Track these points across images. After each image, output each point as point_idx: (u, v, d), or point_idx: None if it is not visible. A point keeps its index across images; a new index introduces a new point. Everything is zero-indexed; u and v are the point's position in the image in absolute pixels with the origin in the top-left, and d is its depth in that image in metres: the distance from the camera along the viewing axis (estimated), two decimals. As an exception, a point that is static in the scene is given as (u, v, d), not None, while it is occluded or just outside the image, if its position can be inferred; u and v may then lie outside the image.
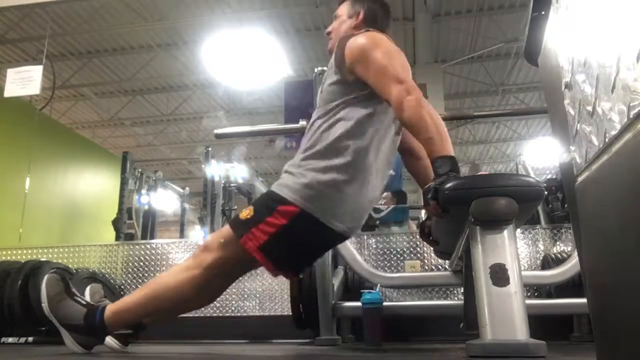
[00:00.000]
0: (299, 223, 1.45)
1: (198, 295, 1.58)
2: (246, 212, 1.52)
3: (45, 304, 1.56)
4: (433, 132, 1.37)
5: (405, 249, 2.81)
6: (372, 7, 1.72)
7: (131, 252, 3.17)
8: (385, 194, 3.39)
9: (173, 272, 1.59)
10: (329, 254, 2.16)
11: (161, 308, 1.59)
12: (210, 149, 5.67)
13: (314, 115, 1.61)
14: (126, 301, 1.60)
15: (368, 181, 1.51)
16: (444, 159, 1.36)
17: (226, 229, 1.55)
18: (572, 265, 2.08)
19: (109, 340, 1.57)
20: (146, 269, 3.11)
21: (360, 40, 1.55)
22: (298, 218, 1.45)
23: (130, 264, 3.13)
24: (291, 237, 1.47)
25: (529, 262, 2.68)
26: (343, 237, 1.56)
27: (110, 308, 1.57)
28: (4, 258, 3.15)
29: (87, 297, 1.65)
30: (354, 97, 1.54)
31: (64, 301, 1.57)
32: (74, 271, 2.79)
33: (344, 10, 1.76)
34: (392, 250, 2.82)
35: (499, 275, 1.25)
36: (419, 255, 2.79)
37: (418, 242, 2.80)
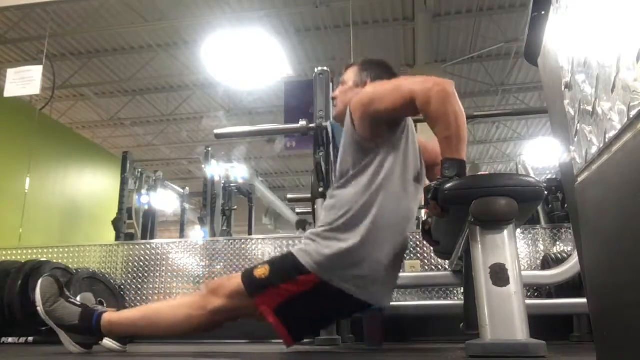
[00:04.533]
0: (319, 292, 1.42)
1: (195, 332, 1.58)
2: (261, 271, 1.47)
3: (40, 307, 1.57)
4: (452, 131, 1.35)
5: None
6: (379, 75, 1.69)
7: (131, 252, 3.17)
8: None
9: (177, 304, 1.59)
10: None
11: (154, 333, 1.63)
12: (210, 149, 5.66)
13: (335, 181, 1.59)
14: (124, 316, 1.60)
15: (392, 247, 1.50)
16: (454, 161, 1.35)
17: (238, 280, 1.50)
18: (572, 265, 2.08)
19: (107, 341, 1.58)
20: (146, 269, 3.11)
21: (361, 92, 1.55)
22: (318, 287, 1.42)
23: (130, 264, 3.13)
24: (309, 303, 1.44)
25: (529, 262, 2.68)
26: (369, 305, 1.51)
27: (108, 318, 1.57)
28: (4, 258, 3.15)
29: None
30: (371, 158, 1.51)
31: (58, 303, 1.58)
32: (74, 271, 2.79)
33: (350, 76, 1.74)
34: (392, 250, 2.81)
35: (499, 275, 1.25)
36: (419, 255, 2.79)
37: (418, 242, 2.80)
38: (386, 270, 1.49)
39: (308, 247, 1.47)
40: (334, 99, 1.76)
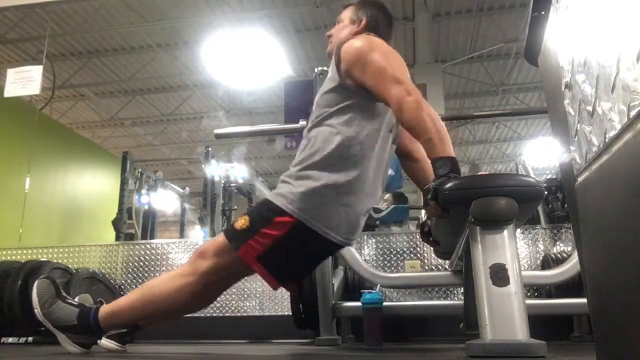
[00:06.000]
0: (296, 234, 1.45)
1: (192, 301, 1.57)
2: (241, 222, 1.50)
3: (37, 309, 1.56)
4: (433, 133, 1.37)
5: (405, 249, 2.81)
6: (375, 15, 1.71)
7: (131, 252, 3.17)
8: (386, 196, 3.39)
9: (168, 277, 1.58)
10: (329, 254, 2.16)
11: (155, 313, 1.60)
12: (210, 149, 5.66)
13: (310, 122, 1.60)
14: (120, 304, 1.59)
15: (364, 190, 1.51)
16: (444, 159, 1.36)
17: (222, 238, 1.54)
18: (572, 265, 2.08)
19: (105, 341, 1.57)
20: (146, 269, 3.11)
21: (356, 43, 1.54)
22: (294, 229, 1.44)
23: (130, 264, 3.13)
24: (288, 247, 1.47)
25: (529, 262, 2.68)
26: (339, 246, 1.55)
27: (105, 309, 1.57)
28: (4, 258, 3.15)
29: None
30: (350, 103, 1.53)
31: (55, 304, 1.57)
32: (74, 271, 2.79)
33: (346, 15, 1.76)
34: (392, 250, 2.82)
35: (499, 275, 1.25)
36: (419, 255, 2.79)
37: (418, 242, 2.80)
38: (357, 211, 1.50)
39: (282, 190, 1.50)
40: (329, 36, 1.77)
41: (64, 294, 1.63)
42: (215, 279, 1.55)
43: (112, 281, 3.01)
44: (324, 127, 1.53)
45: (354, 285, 2.45)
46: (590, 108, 0.58)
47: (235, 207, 6.08)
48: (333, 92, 1.56)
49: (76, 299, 1.68)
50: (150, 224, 5.61)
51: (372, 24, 1.70)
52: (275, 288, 1.55)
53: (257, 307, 2.89)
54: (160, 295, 1.55)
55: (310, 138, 1.55)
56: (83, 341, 1.57)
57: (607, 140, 0.52)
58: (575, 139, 0.66)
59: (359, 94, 1.52)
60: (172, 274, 1.58)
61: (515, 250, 1.30)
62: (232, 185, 6.16)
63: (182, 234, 6.30)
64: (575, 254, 2.06)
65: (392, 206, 3.33)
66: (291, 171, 1.53)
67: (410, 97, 1.40)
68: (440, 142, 1.37)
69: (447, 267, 2.49)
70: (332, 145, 1.48)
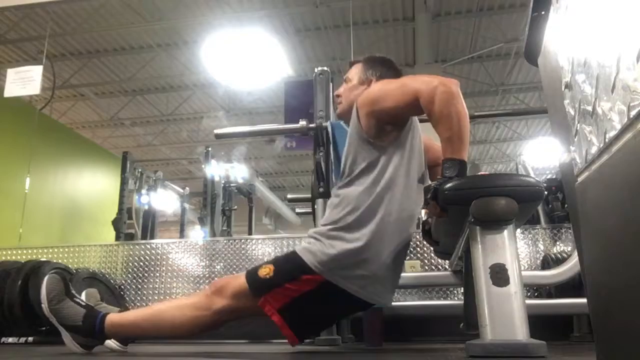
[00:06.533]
0: (323, 291, 1.43)
1: (199, 332, 1.58)
2: (265, 271, 1.47)
3: (45, 305, 1.56)
4: (454, 132, 1.35)
5: (405, 249, 2.81)
6: (384, 74, 1.69)
7: (131, 252, 3.17)
8: None
9: (180, 305, 1.57)
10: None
11: (160, 335, 1.63)
12: (210, 149, 5.66)
13: (340, 181, 1.58)
14: (128, 318, 1.59)
15: (396, 247, 1.50)
16: (454, 161, 1.35)
17: (243, 280, 1.50)
18: (572, 265, 2.08)
19: (109, 341, 1.58)
20: (146, 269, 3.11)
21: (368, 90, 1.56)
22: (322, 287, 1.42)
23: (130, 264, 3.13)
24: (313, 303, 1.44)
25: (529, 262, 2.68)
26: (371, 304, 1.52)
27: (111, 319, 1.57)
28: (4, 258, 3.15)
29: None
30: (377, 157, 1.51)
31: (63, 302, 1.57)
32: (74, 271, 2.79)
33: (354, 74, 1.73)
34: (392, 250, 2.81)
35: (499, 275, 1.25)
36: (419, 255, 2.79)
37: (418, 242, 2.80)
38: (389, 270, 1.49)
39: (312, 247, 1.47)
40: (338, 96, 1.76)
41: (73, 292, 1.63)
42: (228, 319, 1.54)
43: (112, 281, 3.01)
44: (354, 187, 1.52)
45: (354, 285, 2.45)
46: (590, 108, 0.58)
47: (235, 207, 6.08)
48: (360, 150, 1.54)
49: (83, 294, 1.68)
50: (150, 224, 5.61)
51: None
52: (294, 345, 1.52)
53: (257, 307, 2.89)
54: (169, 322, 1.55)
55: (341, 198, 1.53)
56: (86, 342, 1.57)
57: (607, 140, 0.52)
58: (575, 139, 0.66)
59: (386, 147, 1.51)
60: (186, 303, 1.57)
61: (515, 250, 1.30)
62: (232, 185, 6.17)
63: (182, 234, 6.30)
64: (575, 254, 2.06)
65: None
66: (322, 229, 1.51)
67: (444, 88, 1.36)
68: (458, 142, 1.35)
69: (447, 267, 2.49)
70: (363, 207, 1.47)
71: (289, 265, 1.48)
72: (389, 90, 1.48)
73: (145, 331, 1.59)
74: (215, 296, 1.51)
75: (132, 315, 1.62)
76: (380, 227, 1.46)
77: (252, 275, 1.50)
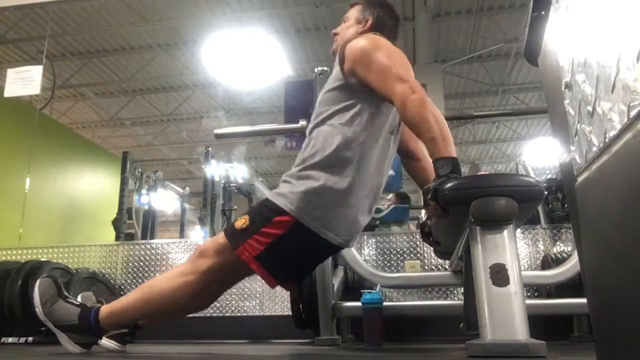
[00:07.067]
0: (294, 233, 1.45)
1: (193, 300, 1.58)
2: (241, 222, 1.51)
3: (38, 308, 1.57)
4: (436, 132, 1.36)
5: (405, 249, 2.81)
6: (382, 16, 1.73)
7: (131, 252, 3.17)
8: (389, 196, 3.39)
9: (168, 276, 1.58)
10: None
11: (156, 312, 1.60)
12: (210, 149, 5.66)
13: (312, 121, 1.60)
14: (121, 303, 1.59)
15: (365, 192, 1.51)
16: (446, 159, 1.35)
17: (222, 237, 1.54)
18: (572, 265, 2.08)
19: (106, 341, 1.57)
20: (146, 269, 3.11)
21: (361, 42, 1.55)
22: (293, 228, 1.44)
23: (130, 264, 3.13)
24: (287, 247, 1.47)
25: (529, 262, 2.68)
26: (338, 248, 1.55)
27: (105, 309, 1.57)
28: (4, 258, 3.15)
29: None
30: (353, 102, 1.53)
31: (57, 303, 1.57)
32: (74, 271, 2.79)
33: (353, 14, 1.75)
34: (392, 250, 2.82)
35: (499, 275, 1.25)
36: (419, 255, 2.79)
37: (418, 242, 2.80)
38: (357, 212, 1.50)
39: (282, 189, 1.50)
40: (335, 34, 1.77)
41: (66, 293, 1.63)
42: (215, 278, 1.55)
43: (112, 281, 3.01)
44: (326, 126, 1.53)
45: (354, 285, 2.45)
46: (590, 108, 0.58)
47: (235, 207, 6.07)
48: (336, 91, 1.56)
49: (79, 297, 1.68)
50: (150, 224, 5.61)
51: (378, 23, 1.71)
52: (272, 287, 1.55)
53: (257, 307, 2.89)
54: (160, 294, 1.55)
55: (312, 138, 1.55)
56: (84, 341, 1.57)
57: (607, 140, 0.52)
58: (575, 139, 0.66)
59: (362, 93, 1.52)
60: (173, 273, 1.58)
61: (515, 250, 1.30)
62: (232, 185, 6.16)
63: (182, 234, 6.31)
64: (575, 254, 2.06)
65: (393, 206, 3.33)
66: (292, 171, 1.53)
67: (415, 95, 1.39)
68: (443, 141, 1.36)
69: (447, 267, 2.49)
70: (332, 146, 1.48)
71: (262, 210, 1.51)
72: (375, 63, 1.48)
73: (140, 311, 1.58)
74: (199, 259, 1.54)
75: (124, 299, 1.61)
76: (348, 167, 1.47)
77: (229, 229, 1.54)
